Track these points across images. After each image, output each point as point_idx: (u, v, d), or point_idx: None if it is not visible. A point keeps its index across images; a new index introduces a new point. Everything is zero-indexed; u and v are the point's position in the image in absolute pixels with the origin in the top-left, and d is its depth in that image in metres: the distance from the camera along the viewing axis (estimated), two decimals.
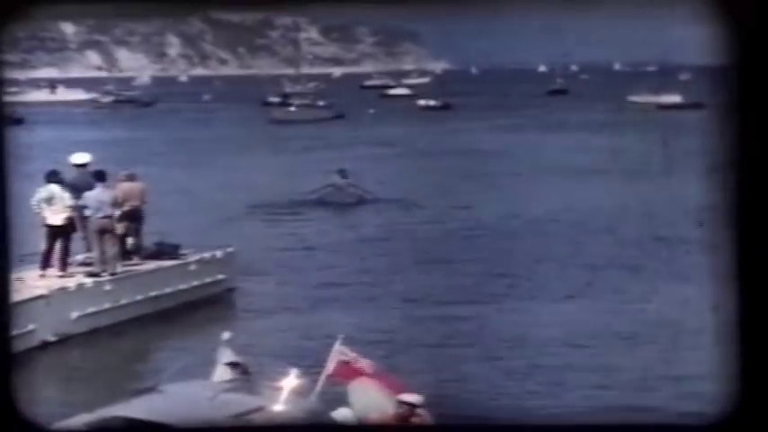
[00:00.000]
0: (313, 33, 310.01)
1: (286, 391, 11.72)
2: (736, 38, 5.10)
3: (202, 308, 21.23)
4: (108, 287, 19.94)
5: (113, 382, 16.11)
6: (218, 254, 22.50)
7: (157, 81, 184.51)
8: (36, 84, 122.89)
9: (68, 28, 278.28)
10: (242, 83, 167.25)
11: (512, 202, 36.15)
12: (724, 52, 5.14)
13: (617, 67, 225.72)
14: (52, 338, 18.64)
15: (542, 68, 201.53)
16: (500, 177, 44.21)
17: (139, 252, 21.37)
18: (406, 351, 17.85)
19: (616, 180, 40.81)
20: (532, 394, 15.61)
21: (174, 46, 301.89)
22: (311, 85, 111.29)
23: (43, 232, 19.69)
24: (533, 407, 14.91)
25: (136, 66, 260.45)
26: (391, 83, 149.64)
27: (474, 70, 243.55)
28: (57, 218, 19.75)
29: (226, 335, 12.77)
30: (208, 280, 21.95)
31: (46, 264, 19.81)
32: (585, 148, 55.24)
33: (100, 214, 20.05)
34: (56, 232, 19.80)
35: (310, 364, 12.89)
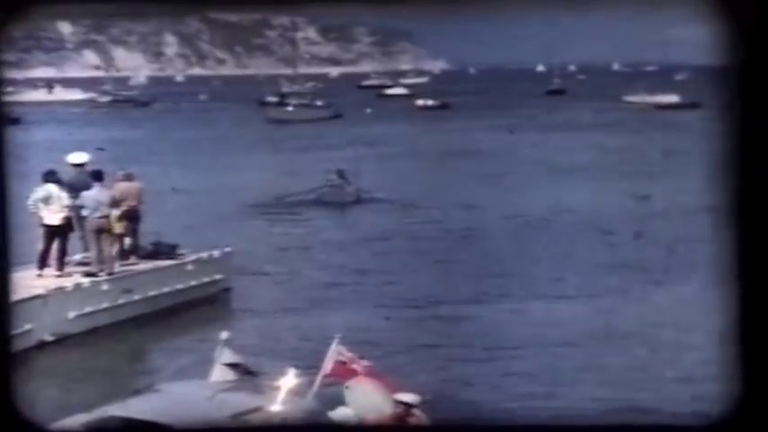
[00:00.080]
0: (311, 33, 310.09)
1: (284, 391, 11.71)
2: (737, 38, 5.09)
3: (200, 308, 21.21)
4: (105, 287, 19.93)
5: (111, 381, 16.09)
6: (216, 253, 22.50)
7: (154, 81, 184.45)
8: (33, 83, 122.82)
9: (65, 27, 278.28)
10: (239, 82, 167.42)
11: (510, 202, 36.14)
12: (724, 52, 5.12)
13: (615, 67, 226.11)
14: (49, 338, 18.61)
15: (541, 68, 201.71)
16: (498, 177, 44.20)
17: (137, 252, 21.36)
18: (403, 351, 17.83)
19: (612, 179, 40.86)
20: (532, 395, 15.58)
21: (171, 46, 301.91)
22: (309, 84, 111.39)
23: (40, 232, 19.67)
24: (533, 407, 14.88)
25: (133, 65, 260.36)
26: (389, 83, 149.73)
27: (472, 70, 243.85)
28: (54, 217, 19.73)
29: (224, 335, 12.76)
30: (205, 280, 21.93)
31: (43, 263, 19.78)
32: (583, 148, 55.27)
33: (97, 214, 20.03)
34: (53, 232, 19.78)
35: (307, 364, 12.87)
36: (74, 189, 20.08)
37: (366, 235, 30.36)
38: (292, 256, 27.28)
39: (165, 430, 10.58)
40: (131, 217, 21.04)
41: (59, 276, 19.81)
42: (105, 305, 19.79)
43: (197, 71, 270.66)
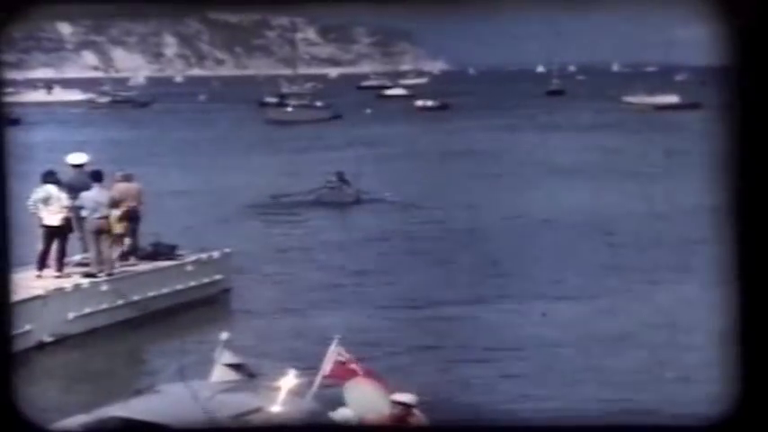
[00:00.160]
0: (310, 34, 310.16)
1: (284, 392, 11.71)
2: (737, 38, 5.08)
3: (199, 308, 21.20)
4: (104, 288, 19.92)
5: (110, 382, 16.08)
6: (215, 254, 22.50)
7: (153, 81, 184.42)
8: (33, 84, 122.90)
9: (65, 28, 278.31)
10: (239, 83, 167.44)
11: (510, 203, 36.15)
12: (724, 53, 5.12)
13: (615, 67, 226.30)
14: (49, 339, 18.61)
15: (540, 69, 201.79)
16: (497, 177, 44.21)
17: (136, 252, 21.35)
18: (403, 352, 17.83)
19: (611, 180, 40.87)
20: (532, 395, 15.59)
21: (170, 46, 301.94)
22: (308, 85, 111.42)
23: (40, 233, 19.66)
24: (533, 408, 14.88)
25: (132, 66, 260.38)
26: (388, 83, 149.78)
27: (471, 71, 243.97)
28: (53, 218, 19.73)
29: (224, 335, 12.76)
30: (205, 280, 21.93)
31: (42, 264, 19.78)
32: (583, 149, 55.30)
33: (96, 215, 20.02)
34: (52, 233, 19.78)
35: (307, 365, 12.87)
36: (73, 190, 20.07)
37: (366, 236, 30.36)
38: (292, 256, 27.28)
39: (165, 431, 10.57)
40: (131, 218, 21.04)
41: (59, 277, 19.80)
42: (105, 306, 19.79)
43: (196, 72, 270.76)
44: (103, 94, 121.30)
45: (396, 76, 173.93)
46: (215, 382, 12.24)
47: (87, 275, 20.04)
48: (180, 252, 22.04)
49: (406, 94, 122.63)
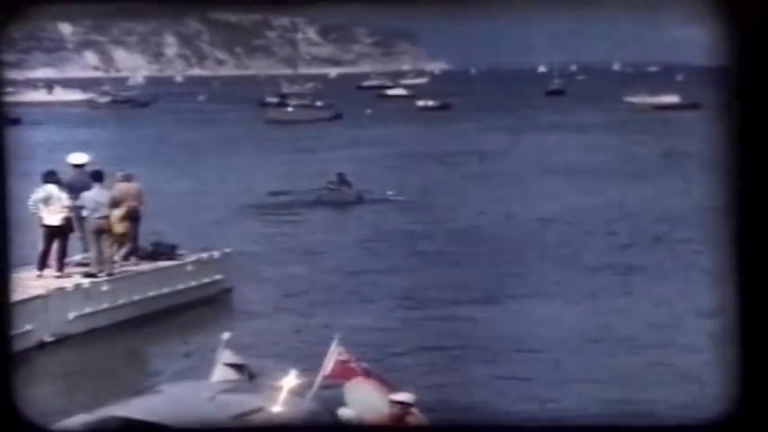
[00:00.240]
0: (311, 34, 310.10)
1: (284, 392, 11.71)
2: (736, 38, 5.09)
3: (200, 308, 21.21)
4: (105, 287, 19.92)
5: (111, 382, 16.08)
6: (216, 254, 22.50)
7: (154, 81, 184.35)
8: (33, 84, 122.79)
9: (65, 28, 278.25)
10: (239, 83, 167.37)
11: (510, 203, 36.12)
12: (724, 53, 5.13)
13: (616, 67, 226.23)
14: (49, 339, 18.62)
15: (542, 69, 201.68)
16: (498, 177, 44.19)
17: (136, 252, 21.35)
18: (403, 352, 17.83)
19: (613, 180, 40.86)
20: (532, 395, 15.58)
21: (171, 46, 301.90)
22: (309, 85, 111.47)
23: (40, 233, 19.67)
24: (533, 408, 14.88)
25: (133, 66, 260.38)
26: (389, 83, 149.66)
27: (472, 71, 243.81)
28: (54, 218, 19.73)
29: (225, 335, 12.76)
30: (205, 280, 21.93)
31: (43, 264, 19.78)
32: (584, 149, 55.29)
33: (97, 214, 20.03)
34: (53, 232, 19.78)
35: (308, 365, 12.87)
36: (74, 190, 20.08)
37: (366, 235, 30.35)
38: (292, 256, 27.26)
39: (166, 431, 10.57)
40: (131, 217, 21.04)
41: (59, 277, 19.81)
42: (105, 306, 19.79)
43: (197, 72, 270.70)
44: (104, 93, 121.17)
45: (396, 75, 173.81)
46: (216, 382, 12.24)
47: (88, 275, 20.04)
48: (180, 252, 22.04)
49: (407, 94, 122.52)
